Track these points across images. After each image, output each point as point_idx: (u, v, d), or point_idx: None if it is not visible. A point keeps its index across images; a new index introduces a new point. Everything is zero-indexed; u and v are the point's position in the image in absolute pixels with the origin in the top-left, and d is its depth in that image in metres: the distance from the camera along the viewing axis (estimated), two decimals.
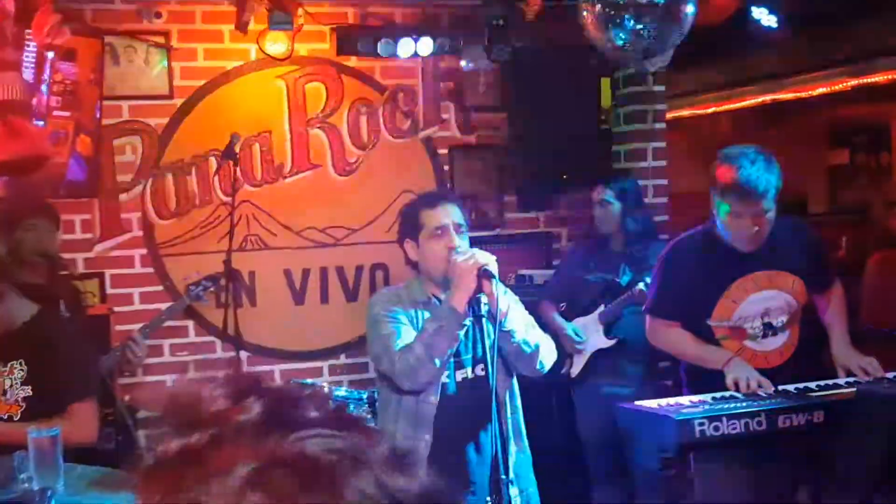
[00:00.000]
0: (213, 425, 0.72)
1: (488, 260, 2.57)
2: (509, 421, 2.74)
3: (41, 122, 3.99)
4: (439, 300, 2.73)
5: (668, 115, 5.10)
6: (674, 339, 3.16)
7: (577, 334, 4.18)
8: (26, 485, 2.23)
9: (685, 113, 8.47)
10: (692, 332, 3.11)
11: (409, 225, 2.78)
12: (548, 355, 2.76)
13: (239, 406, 0.73)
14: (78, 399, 2.70)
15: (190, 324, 4.70)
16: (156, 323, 4.13)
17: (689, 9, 3.40)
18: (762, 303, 3.05)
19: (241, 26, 2.86)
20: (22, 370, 2.76)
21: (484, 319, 2.56)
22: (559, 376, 4.27)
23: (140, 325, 4.14)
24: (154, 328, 4.12)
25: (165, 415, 0.74)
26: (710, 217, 3.11)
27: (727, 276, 3.03)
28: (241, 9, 2.69)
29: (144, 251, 4.64)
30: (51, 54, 3.96)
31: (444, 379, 2.69)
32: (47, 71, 3.44)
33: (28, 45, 3.19)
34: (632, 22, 3.28)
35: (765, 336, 3.09)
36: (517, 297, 2.82)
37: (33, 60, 3.23)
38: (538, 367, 2.72)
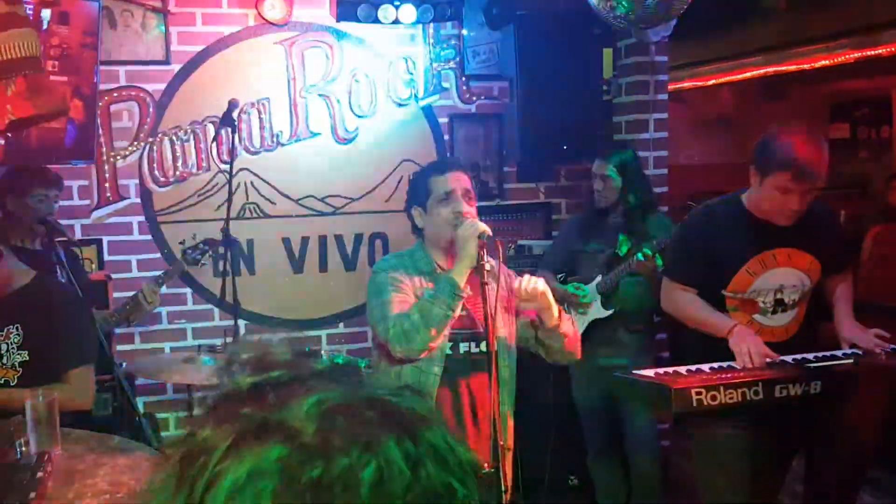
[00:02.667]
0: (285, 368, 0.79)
1: (487, 228, 2.57)
2: (506, 400, 2.74)
3: None
4: (442, 269, 2.73)
5: (669, 87, 5.05)
6: (684, 301, 3.16)
7: (579, 290, 4.16)
8: (23, 449, 2.23)
9: (686, 85, 8.42)
10: (704, 298, 3.12)
11: (418, 191, 2.78)
12: (574, 347, 2.78)
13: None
14: (74, 365, 2.69)
15: (188, 291, 4.69)
16: (161, 280, 4.11)
17: None
18: (779, 279, 3.06)
19: None
20: (18, 335, 2.75)
21: (485, 288, 2.55)
22: None
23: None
24: (160, 285, 4.09)
25: (245, 356, 0.81)
26: (741, 188, 3.11)
27: (750, 248, 3.04)
28: None
29: (142, 218, 4.62)
30: (47, 13, 3.92)
31: (448, 351, 2.68)
32: (43, 32, 3.39)
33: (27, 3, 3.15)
34: None
35: (774, 312, 3.10)
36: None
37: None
38: (573, 345, 2.74)
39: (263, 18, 4.59)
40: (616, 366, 3.90)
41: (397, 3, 4.49)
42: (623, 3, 3.27)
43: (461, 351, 2.71)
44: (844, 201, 6.59)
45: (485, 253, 2.55)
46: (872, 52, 6.40)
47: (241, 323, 4.62)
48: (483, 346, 2.68)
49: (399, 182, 4.95)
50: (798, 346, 3.04)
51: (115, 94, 4.52)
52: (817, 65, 6.78)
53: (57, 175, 3.76)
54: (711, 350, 2.99)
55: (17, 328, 2.75)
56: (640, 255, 3.81)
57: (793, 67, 7.13)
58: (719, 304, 3.10)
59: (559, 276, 4.34)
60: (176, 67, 4.61)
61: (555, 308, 2.62)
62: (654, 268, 3.71)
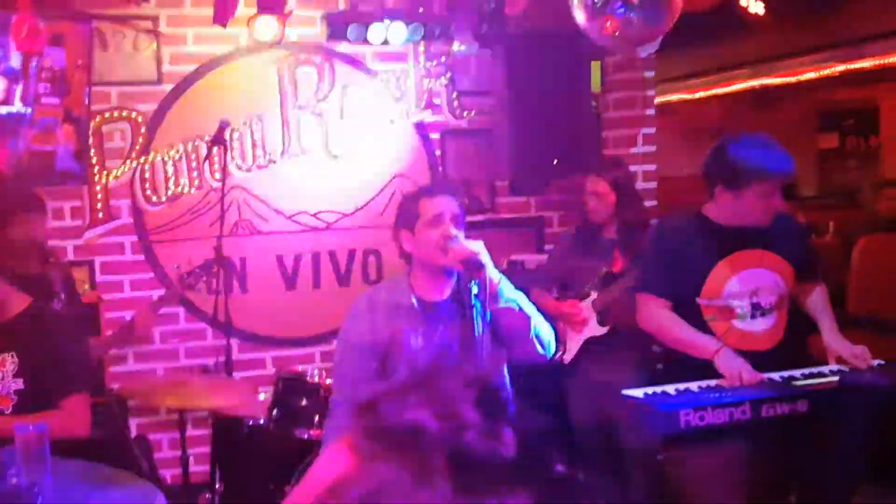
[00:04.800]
0: None
1: (478, 249, 2.57)
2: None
3: (29, 109, 3.99)
4: (422, 303, 2.74)
5: (659, 100, 5.10)
6: (664, 322, 3.17)
7: (575, 308, 4.18)
8: (14, 480, 2.24)
9: (674, 98, 8.49)
10: (681, 311, 3.13)
11: (407, 214, 2.77)
12: (549, 334, 2.76)
13: None
14: (70, 392, 2.71)
15: (180, 311, 4.70)
16: (156, 305, 4.13)
17: None
18: (751, 281, 3.08)
19: (221, 20, 2.82)
20: (14, 362, 2.76)
21: (474, 315, 2.56)
22: (552, 362, 4.29)
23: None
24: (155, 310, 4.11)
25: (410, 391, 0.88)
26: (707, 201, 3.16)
27: (717, 252, 3.08)
28: (221, 2, 2.64)
29: (134, 238, 4.63)
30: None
31: None
32: (34, 63, 3.41)
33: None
34: (620, 10, 3.27)
35: (753, 317, 3.11)
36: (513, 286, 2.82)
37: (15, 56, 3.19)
38: (542, 345, 2.71)
39: (255, 38, 4.61)
40: (612, 383, 3.93)
41: (387, 22, 4.52)
42: (609, 23, 3.30)
43: None
44: (833, 211, 6.64)
45: (484, 273, 2.55)
46: (857, 65, 6.48)
47: (234, 342, 4.63)
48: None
49: (391, 197, 4.97)
50: (786, 355, 3.06)
51: (107, 115, 4.54)
52: (804, 77, 6.86)
53: (36, 195, 3.76)
54: (701, 365, 3.02)
55: (12, 356, 2.76)
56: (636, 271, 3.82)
57: (780, 80, 7.21)
58: (696, 315, 3.11)
59: (553, 292, 4.36)
60: (168, 87, 4.63)
61: (494, 271, 2.62)
62: None
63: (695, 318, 3.11)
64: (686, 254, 3.10)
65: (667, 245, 3.19)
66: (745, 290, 3.09)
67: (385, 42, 4.64)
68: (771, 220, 3.04)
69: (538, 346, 2.71)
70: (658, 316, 3.18)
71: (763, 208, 2.98)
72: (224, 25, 2.99)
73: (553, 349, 2.80)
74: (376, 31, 4.54)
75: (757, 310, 3.10)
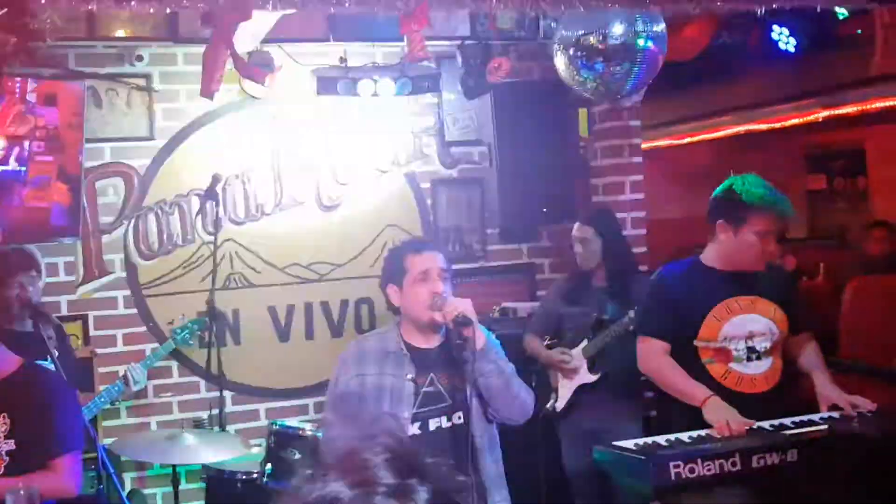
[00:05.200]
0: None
1: (466, 307, 2.61)
2: (491, 469, 2.76)
3: (23, 167, 4.04)
4: (411, 349, 2.76)
5: (646, 145, 5.18)
6: (662, 367, 3.24)
7: (565, 355, 4.20)
8: None
9: (662, 143, 8.59)
10: (680, 353, 3.20)
11: (394, 270, 2.81)
12: (528, 399, 2.80)
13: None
14: (62, 453, 2.71)
15: (174, 364, 4.70)
16: (149, 361, 4.16)
17: (659, 49, 3.48)
18: (746, 325, 3.17)
19: (208, 94, 2.88)
20: (5, 424, 2.76)
21: (464, 366, 2.59)
22: (544, 411, 4.30)
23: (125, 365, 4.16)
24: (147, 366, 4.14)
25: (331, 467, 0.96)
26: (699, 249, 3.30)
27: (713, 296, 3.18)
28: (208, 77, 2.71)
29: (127, 292, 4.65)
30: (33, 96, 4.00)
31: (415, 430, 2.70)
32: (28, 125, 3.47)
33: None
34: (602, 64, 3.34)
35: (749, 360, 3.19)
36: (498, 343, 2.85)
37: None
38: (519, 409, 2.74)
39: (246, 93, 4.68)
40: (604, 430, 3.93)
41: (376, 77, 4.59)
42: (591, 78, 3.37)
43: (431, 428, 2.73)
44: (823, 253, 6.69)
45: (472, 330, 2.58)
46: (840, 111, 6.60)
47: (228, 394, 4.63)
48: (456, 419, 2.72)
49: (384, 247, 5.00)
50: (782, 397, 3.12)
51: (101, 171, 4.59)
52: (787, 123, 6.97)
53: (31, 255, 3.79)
54: (695, 412, 3.04)
55: (3, 417, 2.76)
56: (626, 318, 3.86)
57: (765, 126, 7.31)
58: (694, 358, 3.17)
59: (545, 339, 4.38)
60: (160, 143, 4.69)
61: (481, 331, 2.65)
62: None
63: (693, 360, 3.19)
64: (684, 298, 3.21)
65: (666, 290, 3.31)
66: (741, 333, 3.17)
67: (375, 95, 4.72)
68: (765, 267, 3.14)
69: (515, 410, 2.74)
70: (657, 359, 3.26)
71: (759, 250, 3.08)
72: (211, 98, 3.07)
73: (530, 414, 2.83)
74: (366, 86, 4.62)
75: (752, 353, 3.19)
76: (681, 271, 3.32)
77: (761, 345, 3.18)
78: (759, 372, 3.19)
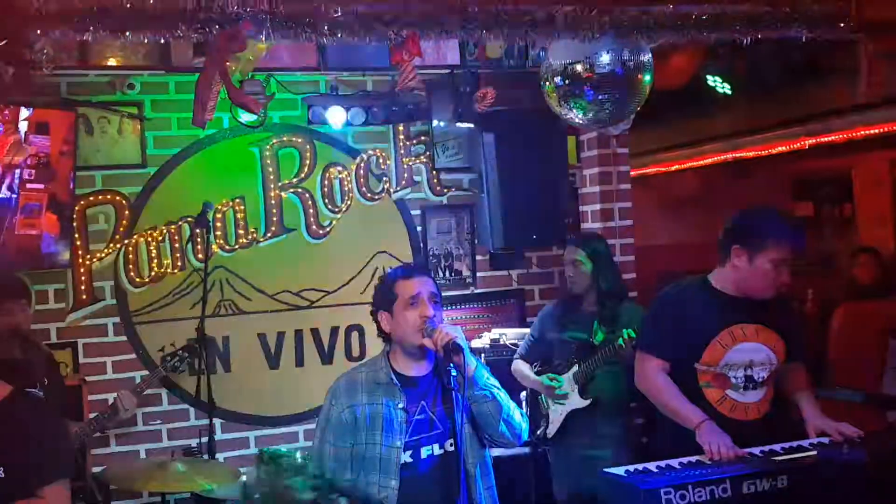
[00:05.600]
0: None
1: (456, 334, 2.62)
2: (483, 496, 2.75)
3: (14, 195, 4.05)
4: (401, 378, 2.77)
5: (635, 172, 5.23)
6: (659, 385, 3.25)
7: (554, 381, 4.20)
8: None
9: (651, 170, 8.66)
10: (678, 373, 3.22)
11: (384, 296, 2.82)
12: (520, 422, 2.80)
13: None
14: (49, 482, 2.68)
15: (163, 392, 4.68)
16: (139, 388, 4.15)
17: (647, 78, 3.52)
18: (748, 353, 3.18)
19: (199, 123, 2.90)
20: None
21: (454, 393, 2.60)
22: (534, 437, 4.30)
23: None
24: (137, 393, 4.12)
25: None
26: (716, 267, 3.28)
27: (720, 321, 3.18)
28: (200, 107, 2.73)
29: (117, 319, 4.65)
30: (24, 125, 4.02)
31: (406, 458, 2.70)
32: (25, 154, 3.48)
33: None
34: (591, 93, 3.38)
35: (745, 388, 3.20)
36: (488, 369, 2.86)
37: None
38: (512, 433, 2.74)
39: (238, 121, 4.72)
40: (596, 456, 3.94)
41: (366, 105, 4.64)
42: (579, 106, 3.41)
43: (423, 456, 2.73)
44: (811, 280, 6.74)
45: (463, 356, 2.59)
46: (825, 139, 6.68)
47: (217, 422, 4.61)
48: (448, 446, 2.71)
49: (374, 273, 5.02)
50: (771, 425, 3.12)
51: (92, 199, 4.60)
52: (774, 151, 7.05)
53: (21, 283, 3.78)
54: (685, 438, 3.05)
55: None
56: (620, 340, 3.87)
57: (752, 153, 7.39)
58: (692, 380, 3.19)
59: (535, 364, 4.39)
60: (152, 170, 4.71)
61: (471, 357, 2.66)
62: (634, 353, 3.77)
63: (690, 382, 3.20)
64: (690, 319, 3.21)
65: (672, 308, 3.30)
66: (742, 361, 3.18)
67: (365, 124, 4.76)
68: (774, 295, 3.15)
69: (508, 434, 2.74)
70: (654, 377, 3.26)
71: (773, 278, 3.10)
72: (203, 128, 3.09)
73: (524, 437, 2.83)
74: (357, 113, 4.65)
75: (750, 382, 3.20)
76: (690, 291, 3.30)
77: (760, 374, 3.20)
78: (753, 400, 3.21)
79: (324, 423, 2.81)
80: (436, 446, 2.73)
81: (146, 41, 2.27)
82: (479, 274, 5.33)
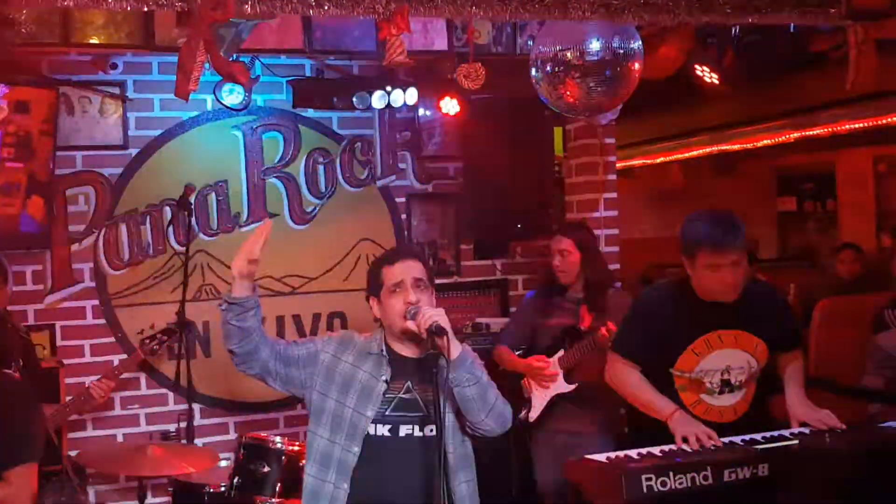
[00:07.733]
0: None
1: (439, 316, 2.60)
2: (462, 489, 2.74)
3: None
4: (392, 353, 2.76)
5: (621, 164, 5.23)
6: (629, 381, 3.24)
7: (542, 361, 4.18)
8: None
9: (637, 162, 8.67)
10: (653, 376, 3.19)
11: (373, 282, 2.83)
12: (504, 411, 2.78)
13: None
14: (16, 463, 2.63)
15: (142, 376, 4.64)
16: (116, 371, 4.10)
17: (636, 66, 3.49)
18: (725, 359, 3.15)
19: (183, 94, 2.85)
20: None
21: (437, 375, 2.58)
22: (516, 420, 4.28)
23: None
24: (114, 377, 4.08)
25: None
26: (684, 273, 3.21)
27: (696, 329, 3.13)
28: (184, 77, 2.68)
29: (96, 302, 4.59)
30: (4, 102, 3.96)
31: (384, 432, 2.70)
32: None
33: None
34: (580, 80, 3.35)
35: (721, 392, 3.17)
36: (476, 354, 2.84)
37: None
38: (495, 421, 2.73)
39: (221, 104, 4.66)
40: (578, 442, 3.93)
41: (352, 89, 4.60)
42: (569, 92, 3.39)
43: (401, 433, 2.71)
44: (793, 274, 6.76)
45: (446, 339, 2.57)
46: (811, 132, 6.69)
47: (197, 407, 4.57)
48: (428, 430, 2.70)
49: (357, 261, 5.00)
50: (746, 426, 3.09)
51: (72, 179, 4.53)
52: (759, 144, 7.06)
53: (2, 265, 3.73)
54: (665, 428, 3.04)
55: None
56: (603, 329, 3.86)
57: (737, 147, 7.41)
58: (668, 384, 3.16)
59: (519, 350, 4.37)
60: (133, 152, 4.65)
61: (455, 341, 2.64)
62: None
63: (666, 387, 3.17)
64: (668, 324, 3.16)
65: (650, 312, 3.25)
66: (717, 367, 3.15)
67: (351, 107, 4.71)
68: (740, 295, 3.07)
69: (492, 420, 2.72)
70: (623, 375, 3.25)
71: (719, 282, 3.02)
72: (186, 100, 3.03)
73: (508, 425, 2.81)
74: (341, 98, 4.61)
75: (726, 386, 3.17)
76: (669, 294, 3.25)
77: (737, 378, 3.17)
78: (728, 403, 3.18)
79: (306, 346, 2.84)
80: (416, 427, 2.71)
81: (129, 8, 2.21)
82: (463, 263, 5.31)
